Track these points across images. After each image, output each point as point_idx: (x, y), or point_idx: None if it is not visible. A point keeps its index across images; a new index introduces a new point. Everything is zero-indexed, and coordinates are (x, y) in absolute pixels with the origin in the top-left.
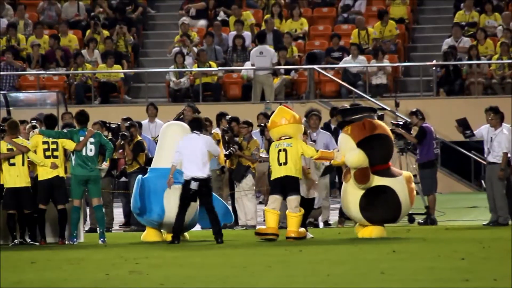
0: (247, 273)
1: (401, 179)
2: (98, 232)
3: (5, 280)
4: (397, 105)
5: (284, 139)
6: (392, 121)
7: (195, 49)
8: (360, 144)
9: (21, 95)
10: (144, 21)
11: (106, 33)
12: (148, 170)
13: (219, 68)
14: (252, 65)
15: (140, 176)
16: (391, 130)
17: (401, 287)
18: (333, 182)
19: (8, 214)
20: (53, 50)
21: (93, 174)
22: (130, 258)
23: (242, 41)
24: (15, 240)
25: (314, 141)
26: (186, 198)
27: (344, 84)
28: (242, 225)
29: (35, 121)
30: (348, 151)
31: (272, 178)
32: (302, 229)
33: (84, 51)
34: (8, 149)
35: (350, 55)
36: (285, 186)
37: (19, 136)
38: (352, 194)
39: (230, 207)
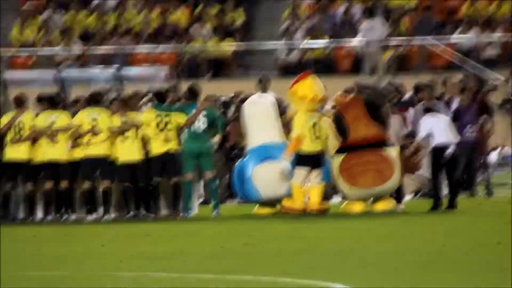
0: (360, 245)
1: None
2: (212, 204)
3: (122, 252)
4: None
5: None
6: None
7: (305, 24)
8: None
9: (133, 70)
10: None
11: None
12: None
13: (330, 40)
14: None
15: (239, 162)
16: None
17: None
18: None
19: (123, 187)
20: (163, 26)
21: (205, 147)
22: (244, 230)
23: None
24: (130, 213)
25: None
26: (439, 163)
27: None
28: None
29: (149, 94)
30: None
31: (305, 149)
32: (326, 202)
33: (194, 26)
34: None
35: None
36: (318, 160)
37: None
38: None
39: None
